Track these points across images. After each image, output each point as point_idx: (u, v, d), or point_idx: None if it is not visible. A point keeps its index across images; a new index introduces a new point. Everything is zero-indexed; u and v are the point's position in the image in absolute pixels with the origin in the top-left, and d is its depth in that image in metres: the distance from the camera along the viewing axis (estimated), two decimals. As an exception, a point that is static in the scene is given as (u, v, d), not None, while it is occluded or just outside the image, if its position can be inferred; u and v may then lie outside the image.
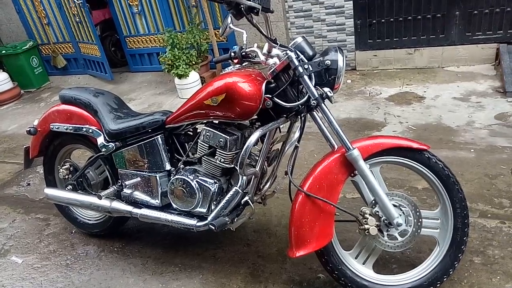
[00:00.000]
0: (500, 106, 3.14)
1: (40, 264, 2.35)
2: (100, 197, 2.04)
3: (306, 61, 1.62)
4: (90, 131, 2.10)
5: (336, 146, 1.68)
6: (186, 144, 2.01)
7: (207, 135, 1.79)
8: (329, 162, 1.64)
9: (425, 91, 3.62)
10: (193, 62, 4.47)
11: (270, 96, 1.65)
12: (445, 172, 1.65)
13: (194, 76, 4.52)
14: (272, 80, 1.69)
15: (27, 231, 2.69)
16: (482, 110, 3.12)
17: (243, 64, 1.83)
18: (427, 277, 1.67)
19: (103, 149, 2.07)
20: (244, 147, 1.61)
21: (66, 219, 2.58)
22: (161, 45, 5.32)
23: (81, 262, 2.32)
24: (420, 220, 1.64)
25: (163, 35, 4.60)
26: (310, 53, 1.65)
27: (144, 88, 5.31)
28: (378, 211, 1.61)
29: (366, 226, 1.59)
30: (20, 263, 2.40)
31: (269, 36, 1.58)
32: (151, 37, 5.44)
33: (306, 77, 1.59)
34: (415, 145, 1.64)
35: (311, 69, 1.60)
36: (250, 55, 1.78)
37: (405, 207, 1.64)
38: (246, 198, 1.71)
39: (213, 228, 1.68)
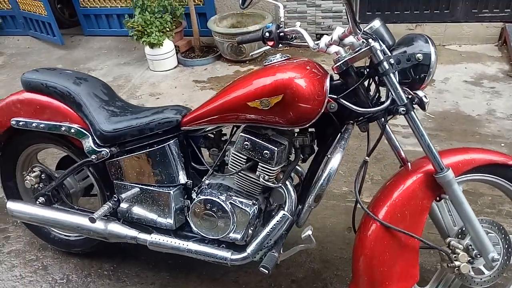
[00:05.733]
0: (516, 92, 2.97)
1: (4, 297, 1.84)
2: (93, 220, 1.54)
3: (389, 53, 1.24)
4: (73, 131, 1.58)
5: (408, 163, 1.35)
6: (207, 150, 1.57)
7: (246, 144, 1.36)
8: (410, 184, 1.30)
9: (432, 73, 3.36)
10: (168, 29, 3.84)
11: (336, 97, 1.26)
12: (538, 193, 1.39)
13: (168, 46, 3.91)
14: (338, 76, 1.29)
15: (-22, 249, 2.11)
16: (499, 97, 2.93)
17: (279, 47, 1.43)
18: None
19: (93, 156, 1.56)
20: (325, 175, 1.23)
21: (34, 234, 2.05)
22: (124, 5, 4.56)
23: (62, 293, 1.84)
24: (510, 249, 1.38)
25: (129, -6, 3.90)
26: (390, 42, 1.27)
27: (104, 56, 4.57)
28: (470, 244, 1.32)
29: (457, 263, 1.29)
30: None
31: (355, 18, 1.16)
32: (111, -5, 4.64)
33: (392, 76, 1.21)
34: (511, 162, 1.35)
35: (397, 65, 1.22)
36: (288, 36, 1.37)
37: (491, 233, 1.37)
38: (309, 232, 1.32)
39: (266, 271, 1.29)
